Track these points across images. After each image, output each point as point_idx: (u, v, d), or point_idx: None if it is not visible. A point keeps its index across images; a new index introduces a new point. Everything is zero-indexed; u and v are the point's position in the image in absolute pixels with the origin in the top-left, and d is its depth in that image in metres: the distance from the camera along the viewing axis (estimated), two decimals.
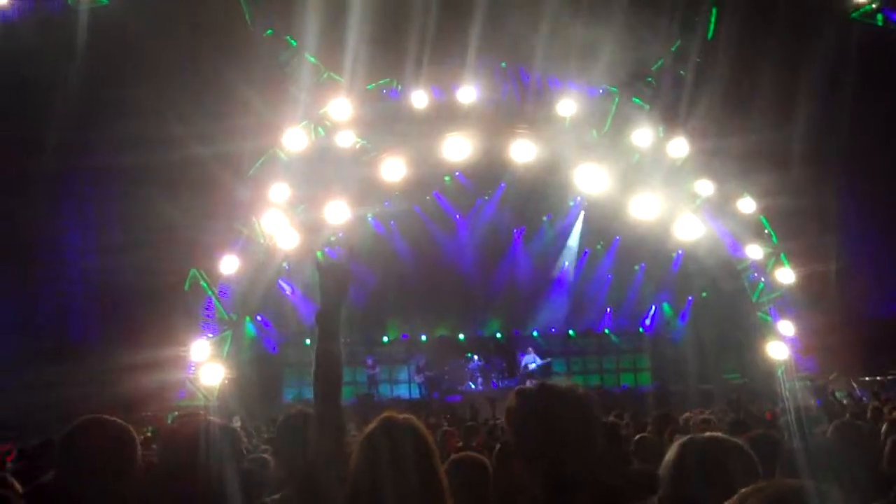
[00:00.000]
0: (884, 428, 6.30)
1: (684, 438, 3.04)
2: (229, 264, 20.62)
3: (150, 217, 18.61)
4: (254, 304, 21.76)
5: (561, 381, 3.25)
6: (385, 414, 3.25)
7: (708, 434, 3.08)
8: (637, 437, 6.85)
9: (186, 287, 20.22)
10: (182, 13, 18.59)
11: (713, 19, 23.41)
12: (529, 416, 3.08)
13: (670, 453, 2.98)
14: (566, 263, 26.43)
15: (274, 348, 23.87)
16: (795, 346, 22.82)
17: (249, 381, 21.29)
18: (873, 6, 23.62)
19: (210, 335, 20.44)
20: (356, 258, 3.26)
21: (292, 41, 21.55)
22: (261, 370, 22.52)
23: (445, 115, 22.25)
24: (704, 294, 25.52)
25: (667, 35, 23.33)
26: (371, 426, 3.19)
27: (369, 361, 23.42)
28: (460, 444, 8.70)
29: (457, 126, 22.36)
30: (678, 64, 23.34)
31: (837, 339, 22.18)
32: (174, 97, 18.81)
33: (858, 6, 23.78)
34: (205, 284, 20.42)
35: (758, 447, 3.13)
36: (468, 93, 21.88)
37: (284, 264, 22.81)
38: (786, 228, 23.09)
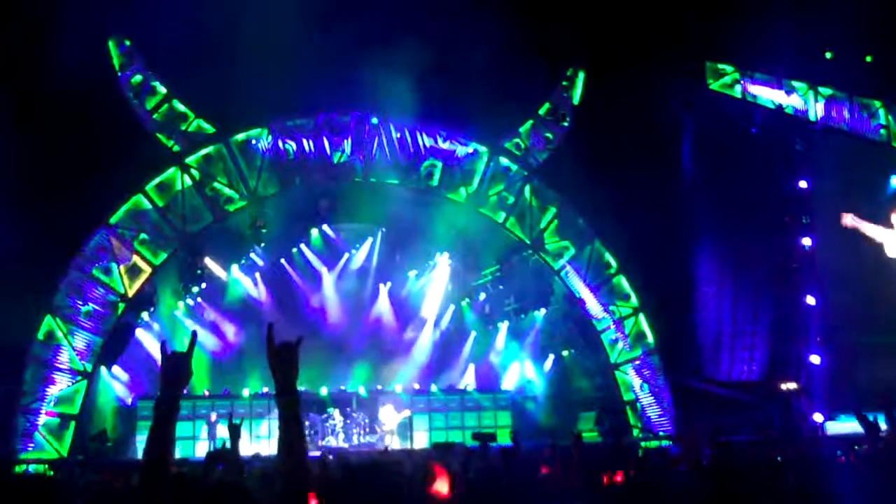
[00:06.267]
0: None
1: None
2: (87, 312, 21.33)
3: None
4: (110, 354, 22.29)
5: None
6: None
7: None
8: None
9: (41, 336, 20.76)
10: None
11: (580, 85, 25.52)
12: (341, 486, 3.75)
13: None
14: (430, 319, 28.07)
15: (130, 401, 24.23)
16: (652, 405, 24.76)
17: (103, 434, 21.85)
18: (732, 79, 26.16)
19: (62, 385, 20.97)
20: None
21: (160, 88, 22.59)
22: (115, 423, 23.04)
23: (317, 168, 23.59)
24: (566, 353, 27.37)
25: (536, 97, 25.32)
26: None
27: (211, 415, 23.68)
28: None
29: (328, 179, 23.82)
30: (546, 126, 25.28)
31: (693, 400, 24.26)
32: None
33: (719, 76, 26.28)
34: (60, 333, 20.95)
35: None
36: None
37: (145, 315, 23.61)
38: (645, 290, 25.04)
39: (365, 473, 3.78)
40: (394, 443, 24.87)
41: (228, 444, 7.07)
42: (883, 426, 8.38)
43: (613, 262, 25.07)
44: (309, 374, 24.90)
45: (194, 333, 3.97)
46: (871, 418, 8.55)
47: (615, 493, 8.80)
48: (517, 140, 25.08)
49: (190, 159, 22.56)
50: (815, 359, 24.61)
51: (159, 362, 3.80)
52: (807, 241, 25.22)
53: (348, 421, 25.00)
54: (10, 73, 19.42)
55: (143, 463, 3.63)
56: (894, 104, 25.87)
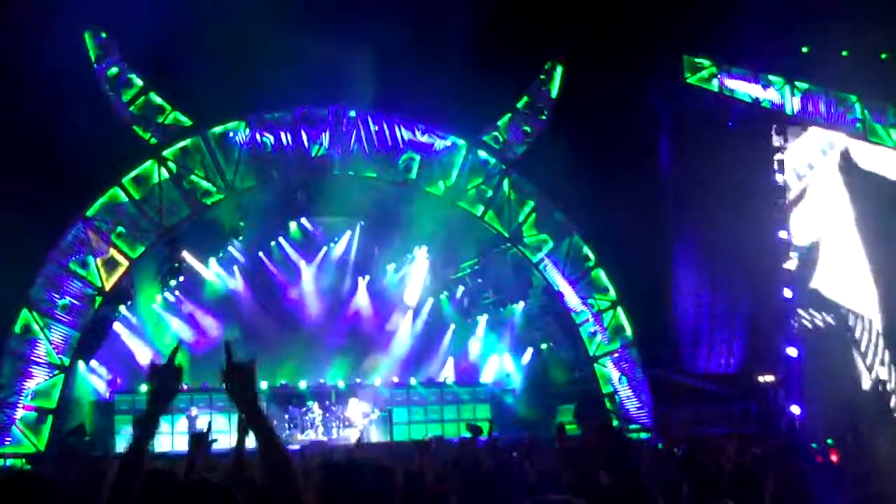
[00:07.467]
0: None
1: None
2: (64, 305, 21.28)
3: None
4: (87, 348, 22.25)
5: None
6: None
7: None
8: None
9: (17, 329, 20.70)
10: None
11: (558, 78, 25.65)
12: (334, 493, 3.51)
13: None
14: (409, 313, 28.22)
15: (108, 395, 24.20)
16: (631, 398, 24.93)
17: (81, 428, 21.78)
18: (710, 73, 26.33)
19: (39, 379, 20.91)
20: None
21: (137, 80, 22.56)
22: (92, 417, 22.98)
23: (295, 161, 23.61)
24: (545, 346, 27.55)
25: (515, 91, 25.42)
26: None
27: (191, 410, 23.76)
28: None
29: (306, 172, 23.87)
30: (524, 119, 25.41)
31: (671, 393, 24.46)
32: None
33: (696, 70, 26.44)
34: (36, 327, 20.88)
35: None
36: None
37: (122, 309, 23.57)
38: (623, 283, 25.20)
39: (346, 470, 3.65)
40: (369, 436, 24.93)
41: (212, 435, 7.07)
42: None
43: (592, 256, 25.19)
44: (288, 368, 25.07)
45: (174, 349, 3.74)
46: None
47: (595, 485, 8.85)
48: (495, 133, 25.19)
49: (167, 152, 22.53)
50: (791, 351, 24.80)
51: (146, 380, 3.63)
52: (784, 235, 25.42)
53: (327, 414, 25.15)
54: None
55: (119, 464, 3.40)
56: (870, 98, 26.09)
